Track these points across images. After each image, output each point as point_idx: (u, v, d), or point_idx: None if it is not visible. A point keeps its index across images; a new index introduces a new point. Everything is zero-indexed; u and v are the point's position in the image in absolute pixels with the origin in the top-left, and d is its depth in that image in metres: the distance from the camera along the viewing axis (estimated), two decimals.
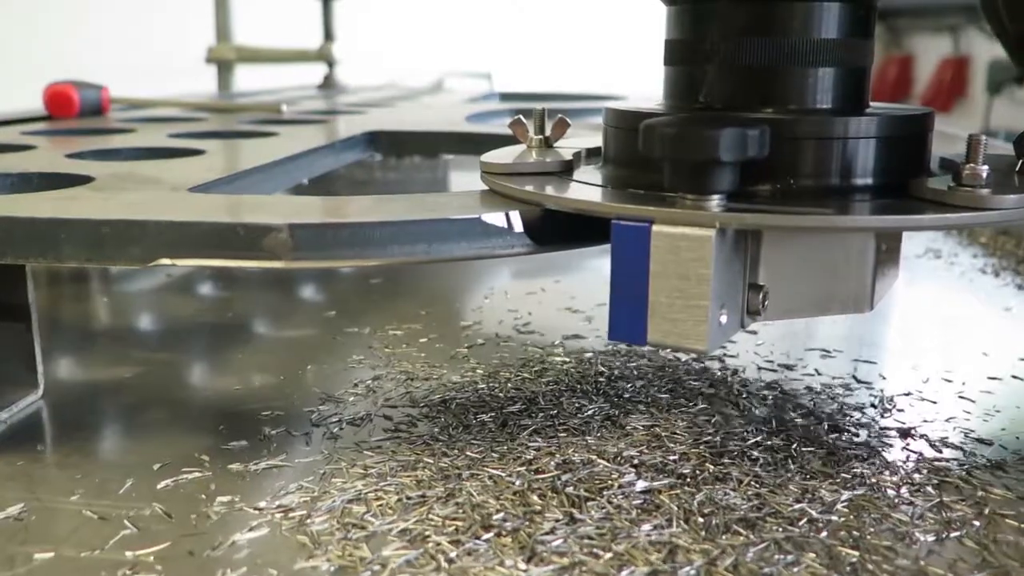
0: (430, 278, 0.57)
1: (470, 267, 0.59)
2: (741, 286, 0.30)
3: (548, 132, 0.40)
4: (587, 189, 0.33)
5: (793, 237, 0.31)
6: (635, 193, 0.31)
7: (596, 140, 0.41)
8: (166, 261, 0.29)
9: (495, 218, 0.30)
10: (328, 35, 1.27)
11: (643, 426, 0.33)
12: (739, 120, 0.29)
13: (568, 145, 0.40)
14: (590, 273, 0.58)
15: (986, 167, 0.30)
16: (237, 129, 0.60)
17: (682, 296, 0.28)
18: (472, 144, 0.57)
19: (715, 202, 0.28)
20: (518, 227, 0.30)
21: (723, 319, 0.29)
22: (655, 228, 0.28)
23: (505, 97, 1.24)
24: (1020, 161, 0.35)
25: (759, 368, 0.40)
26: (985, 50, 3.08)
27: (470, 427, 0.34)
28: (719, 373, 0.39)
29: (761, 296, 0.31)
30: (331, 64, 1.27)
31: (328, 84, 1.26)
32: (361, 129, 0.61)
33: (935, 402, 0.36)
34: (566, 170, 0.36)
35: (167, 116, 0.72)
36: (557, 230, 0.32)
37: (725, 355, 0.41)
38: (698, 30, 0.34)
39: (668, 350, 0.41)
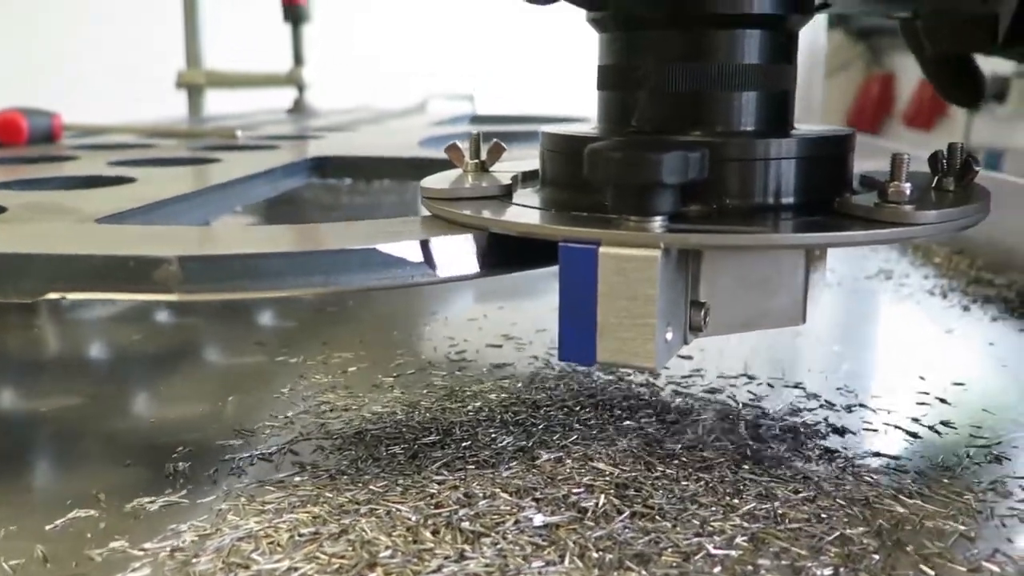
0: (380, 304, 0.56)
1: (418, 293, 0.58)
2: (684, 304, 0.31)
3: (484, 156, 0.40)
4: (531, 212, 0.34)
5: (730, 255, 0.32)
6: (579, 216, 0.32)
7: (532, 163, 0.42)
8: (54, 295, 0.28)
9: (393, 248, 0.30)
10: (298, 59, 1.27)
11: (554, 458, 0.33)
12: (677, 143, 0.30)
13: (504, 169, 0.40)
14: (535, 300, 0.57)
15: (909, 184, 0.31)
16: (181, 156, 0.60)
17: (630, 315, 0.29)
18: (418, 169, 0.57)
19: (658, 223, 0.29)
20: (416, 257, 0.30)
21: (669, 336, 0.30)
22: (602, 250, 0.29)
23: (477, 120, 1.24)
24: (935, 178, 0.36)
25: (680, 394, 0.39)
26: None
27: (379, 460, 0.33)
28: (645, 398, 0.39)
29: (703, 313, 0.32)
30: (301, 88, 1.26)
31: (298, 108, 1.26)
32: (310, 154, 0.61)
33: (853, 433, 0.36)
34: (506, 194, 0.37)
35: (119, 143, 0.72)
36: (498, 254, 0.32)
37: (650, 381, 0.41)
38: (628, 57, 0.35)
39: (612, 370, 0.41)
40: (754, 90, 0.34)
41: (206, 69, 1.29)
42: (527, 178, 0.40)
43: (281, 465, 0.33)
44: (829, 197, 0.33)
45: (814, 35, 3.22)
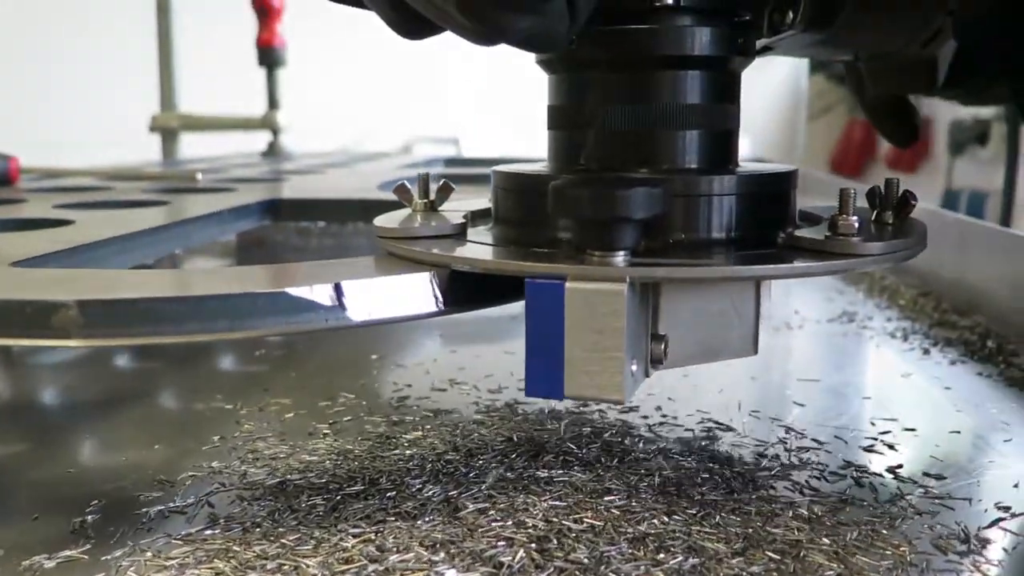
0: (333, 345, 0.55)
1: (370, 335, 0.57)
2: (645, 337, 0.32)
3: (432, 196, 0.40)
4: (491, 249, 0.34)
5: (688, 288, 0.33)
6: (540, 252, 0.33)
7: (480, 202, 0.43)
8: None
9: (302, 291, 0.29)
10: (272, 103, 1.27)
11: (478, 509, 0.31)
12: (636, 180, 0.31)
13: (453, 208, 0.40)
14: (490, 344, 0.56)
15: (856, 217, 0.32)
16: (131, 199, 0.59)
17: (597, 349, 0.29)
18: (370, 211, 0.56)
19: (621, 258, 0.30)
20: (326, 300, 0.29)
21: (634, 368, 0.31)
22: (569, 285, 0.29)
23: (451, 162, 1.24)
24: (874, 212, 0.37)
25: (617, 440, 0.38)
26: (946, 112, 3.13)
27: (298, 511, 0.32)
28: (581, 445, 0.37)
29: (663, 345, 0.32)
30: (275, 132, 1.26)
31: (272, 151, 1.26)
32: (267, 197, 0.60)
33: (796, 481, 0.35)
34: (460, 232, 0.37)
35: (78, 186, 0.71)
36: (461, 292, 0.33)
37: (591, 425, 0.40)
38: (576, 97, 0.36)
39: (552, 416, 0.40)
40: (699, 129, 0.35)
41: (180, 112, 1.29)
42: (477, 216, 0.40)
43: (196, 518, 0.32)
44: (775, 231, 0.35)
45: (797, 78, 3.25)
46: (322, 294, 0.29)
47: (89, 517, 0.32)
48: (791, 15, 0.35)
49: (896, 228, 0.35)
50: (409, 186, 0.40)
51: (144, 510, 0.32)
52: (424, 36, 0.32)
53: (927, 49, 0.44)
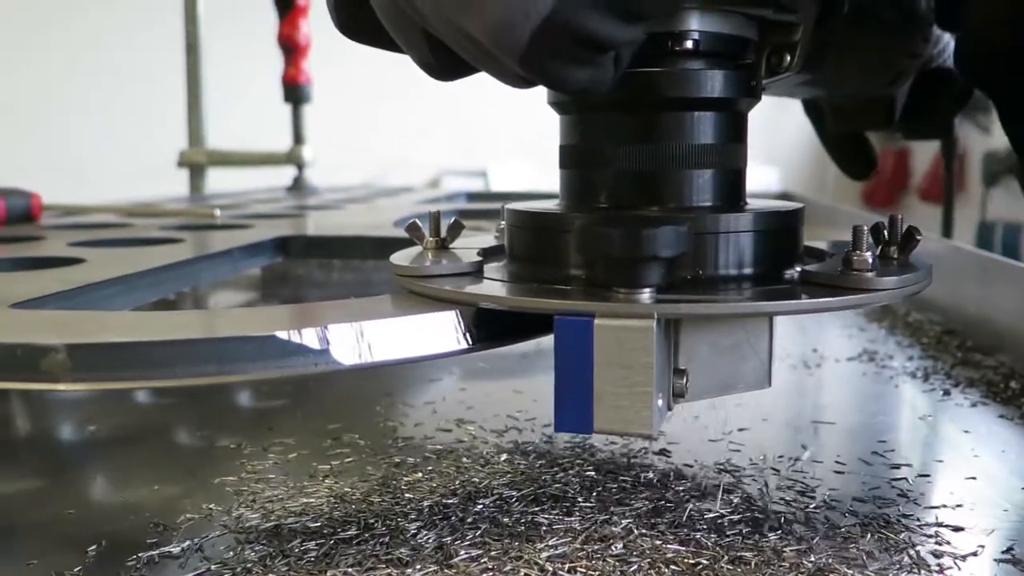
0: (343, 384, 0.54)
1: (382, 374, 0.56)
2: (669, 371, 0.33)
3: (444, 234, 0.40)
4: (514, 287, 0.35)
5: (705, 323, 0.33)
6: (563, 289, 0.33)
7: (486, 239, 0.44)
8: None
9: (292, 335, 0.28)
10: (298, 138, 1.28)
11: (470, 557, 0.31)
12: (661, 219, 0.32)
13: (463, 245, 0.41)
14: (500, 381, 0.56)
15: (870, 253, 0.33)
16: (148, 236, 0.60)
17: (626, 384, 0.30)
18: (382, 248, 0.56)
19: (647, 295, 0.30)
20: (315, 344, 0.29)
21: (660, 403, 0.31)
22: (598, 321, 0.30)
23: (473, 197, 1.24)
24: (879, 247, 0.37)
25: (626, 484, 0.37)
26: (980, 143, 3.10)
27: (289, 556, 0.31)
28: (590, 482, 0.37)
29: (684, 380, 0.33)
30: (300, 166, 1.27)
31: (297, 186, 1.27)
32: (277, 234, 0.60)
33: (801, 525, 0.34)
34: (479, 270, 0.38)
35: (98, 223, 0.72)
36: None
37: (601, 468, 0.39)
38: (593, 138, 0.37)
39: (560, 461, 0.40)
40: (711, 168, 0.36)
41: (207, 148, 1.31)
42: (489, 253, 0.40)
43: (187, 563, 0.31)
44: (784, 267, 0.36)
45: None
46: (311, 338, 0.28)
47: (83, 562, 0.31)
48: (788, 58, 0.37)
49: (902, 263, 0.36)
50: (420, 224, 0.40)
51: (139, 555, 0.32)
52: (457, 78, 0.32)
53: (889, 88, 0.48)
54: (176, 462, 0.43)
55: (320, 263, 0.96)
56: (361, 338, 0.30)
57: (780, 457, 0.41)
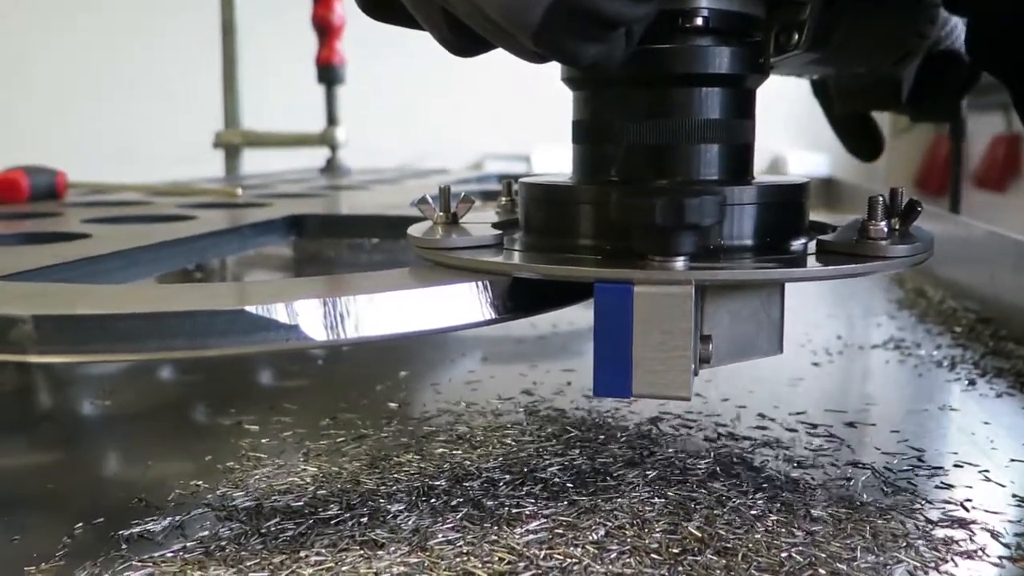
0: (357, 360, 0.54)
1: (411, 349, 0.56)
2: (698, 337, 0.33)
3: (455, 209, 0.40)
4: (546, 257, 0.35)
5: (727, 292, 0.34)
6: (596, 258, 0.34)
7: (488, 215, 0.44)
8: None
9: (262, 310, 0.28)
10: (331, 119, 1.28)
11: (447, 540, 0.30)
12: (698, 190, 0.33)
13: (473, 220, 0.41)
14: (508, 364, 0.55)
15: (884, 222, 0.34)
16: (162, 213, 0.60)
17: (665, 349, 0.31)
18: (392, 227, 0.56)
19: (681, 263, 0.31)
20: (286, 319, 0.28)
21: (693, 368, 0.32)
22: (638, 289, 0.31)
23: (503, 179, 1.23)
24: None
25: (625, 468, 0.36)
26: None
27: (266, 536, 0.31)
28: (581, 467, 0.36)
29: (710, 346, 0.34)
30: (334, 148, 1.28)
31: (330, 167, 1.27)
32: (291, 212, 0.60)
33: (805, 527, 0.32)
34: (499, 242, 0.38)
35: (119, 200, 0.72)
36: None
37: (596, 451, 0.38)
38: (608, 113, 0.37)
39: (554, 441, 0.39)
40: (721, 142, 0.37)
41: (242, 129, 1.32)
42: (501, 227, 0.40)
43: (166, 540, 0.31)
44: (794, 238, 0.37)
45: None
46: (281, 313, 0.28)
47: (70, 537, 0.31)
48: (796, 37, 0.37)
49: (905, 234, 0.36)
50: (430, 200, 0.40)
51: (119, 532, 0.32)
52: (476, 55, 0.33)
53: (896, 68, 0.48)
54: (173, 440, 0.43)
55: (351, 243, 0.96)
56: (385, 309, 0.30)
57: (786, 447, 0.39)
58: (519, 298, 0.34)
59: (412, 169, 1.38)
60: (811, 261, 0.34)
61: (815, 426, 0.42)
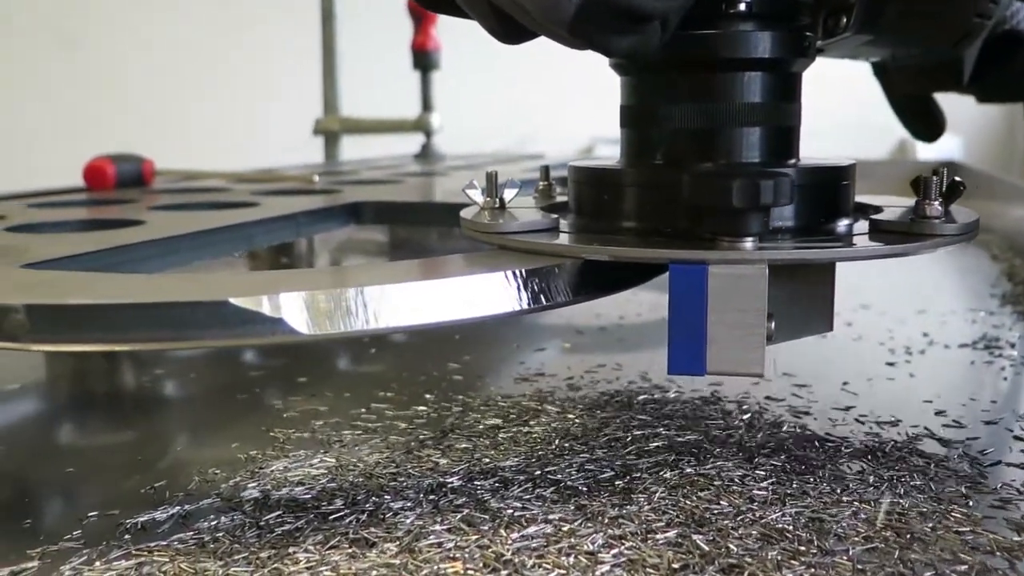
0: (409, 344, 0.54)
1: (457, 334, 0.55)
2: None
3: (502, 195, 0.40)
4: (613, 239, 0.35)
5: (786, 271, 0.34)
6: (667, 240, 0.35)
7: (526, 200, 0.44)
8: None
9: (247, 302, 0.27)
10: (426, 105, 1.28)
11: (438, 542, 0.29)
12: (768, 172, 0.32)
13: (518, 205, 0.41)
14: (556, 359, 0.53)
15: (938, 202, 0.35)
16: (227, 200, 0.61)
17: (739, 327, 0.32)
18: (447, 214, 0.55)
19: (750, 243, 0.32)
20: (271, 311, 0.27)
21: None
22: (713, 268, 0.31)
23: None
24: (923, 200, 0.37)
25: (650, 468, 0.34)
26: None
27: (263, 529, 0.31)
28: (602, 466, 0.34)
29: (772, 324, 0.34)
30: (428, 134, 1.28)
31: (425, 153, 1.28)
32: (354, 199, 0.60)
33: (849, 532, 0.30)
34: (555, 226, 0.38)
35: (201, 187, 0.74)
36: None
37: (624, 451, 0.36)
38: (659, 98, 0.37)
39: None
40: (768, 124, 0.37)
41: (341, 116, 1.34)
42: (550, 211, 0.41)
43: (168, 530, 0.31)
44: (842, 219, 0.38)
45: None
46: (265, 305, 0.27)
47: (84, 521, 0.32)
48: (845, 20, 0.37)
49: (949, 214, 0.36)
50: (477, 185, 0.40)
51: (125, 521, 0.32)
52: (522, 42, 0.34)
53: (955, 50, 0.47)
54: (203, 426, 0.43)
55: (440, 231, 0.96)
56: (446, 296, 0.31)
57: (841, 449, 0.37)
58: (585, 281, 0.35)
59: (507, 155, 1.38)
60: (867, 240, 0.35)
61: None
